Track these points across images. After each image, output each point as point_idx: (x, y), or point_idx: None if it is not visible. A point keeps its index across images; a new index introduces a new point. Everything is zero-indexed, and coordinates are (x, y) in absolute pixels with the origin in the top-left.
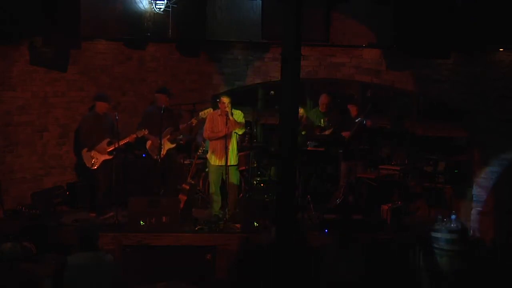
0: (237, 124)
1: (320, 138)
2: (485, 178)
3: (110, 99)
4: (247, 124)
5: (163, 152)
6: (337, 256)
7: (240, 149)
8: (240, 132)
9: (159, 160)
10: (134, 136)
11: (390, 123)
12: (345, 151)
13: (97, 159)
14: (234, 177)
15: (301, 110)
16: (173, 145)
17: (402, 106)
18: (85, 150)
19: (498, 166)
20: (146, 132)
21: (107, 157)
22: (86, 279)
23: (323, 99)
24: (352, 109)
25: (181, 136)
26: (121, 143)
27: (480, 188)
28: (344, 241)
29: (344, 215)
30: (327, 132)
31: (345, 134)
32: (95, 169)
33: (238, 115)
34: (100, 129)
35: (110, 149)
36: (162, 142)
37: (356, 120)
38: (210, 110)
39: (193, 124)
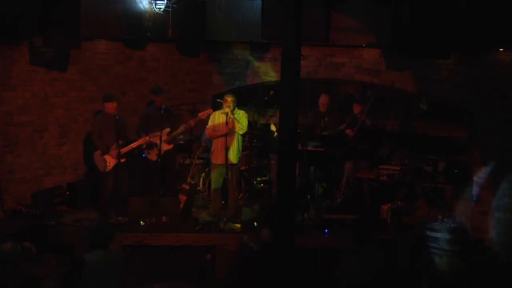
0: (236, 123)
1: (323, 137)
2: (485, 178)
3: (116, 97)
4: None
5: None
6: (337, 256)
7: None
8: (241, 132)
9: (159, 161)
10: (148, 139)
11: (398, 124)
12: (349, 151)
13: (110, 162)
14: (234, 176)
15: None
16: (170, 146)
17: (404, 106)
18: (97, 153)
19: (498, 166)
20: (160, 133)
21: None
22: (102, 276)
23: (323, 99)
24: (356, 108)
25: (181, 136)
26: (133, 146)
27: (480, 188)
28: (345, 241)
29: (344, 215)
30: (326, 133)
31: (348, 131)
32: (106, 172)
33: (242, 115)
34: (112, 130)
35: (116, 152)
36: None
37: (358, 117)
38: (209, 111)
39: (192, 125)
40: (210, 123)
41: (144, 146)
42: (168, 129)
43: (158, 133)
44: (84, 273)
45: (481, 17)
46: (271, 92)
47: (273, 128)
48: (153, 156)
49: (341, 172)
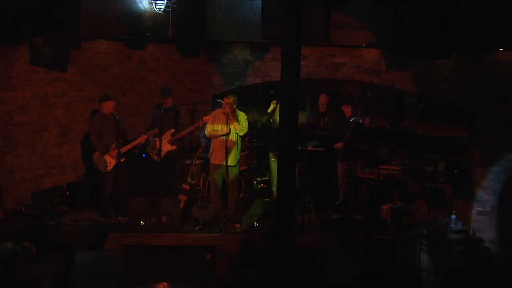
0: (236, 124)
1: (317, 137)
2: (485, 178)
3: (114, 96)
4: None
5: (162, 154)
6: (338, 256)
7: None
8: (241, 134)
9: (160, 161)
10: (146, 137)
11: (389, 124)
12: (349, 151)
13: (110, 163)
14: (234, 177)
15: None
16: (173, 147)
17: (402, 106)
18: (97, 154)
19: (498, 166)
20: (157, 131)
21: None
22: (93, 278)
23: (322, 99)
24: (347, 110)
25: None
26: (133, 145)
27: (480, 188)
28: (345, 241)
29: (344, 215)
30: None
31: (338, 145)
32: (106, 172)
33: (241, 117)
34: (111, 130)
35: (116, 152)
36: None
37: (351, 120)
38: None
39: (201, 126)
40: (209, 123)
41: (143, 143)
42: (173, 130)
43: (155, 130)
44: (75, 274)
45: (481, 17)
46: (271, 92)
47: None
48: (155, 155)
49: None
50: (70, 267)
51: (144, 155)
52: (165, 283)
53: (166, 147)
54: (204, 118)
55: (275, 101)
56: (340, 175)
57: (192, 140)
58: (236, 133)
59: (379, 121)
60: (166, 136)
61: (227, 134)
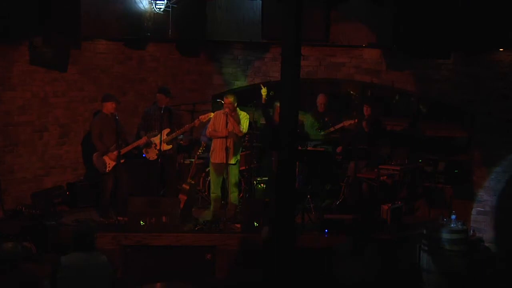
0: (236, 125)
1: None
2: (485, 178)
3: (116, 98)
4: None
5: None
6: (347, 257)
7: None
8: (240, 135)
9: (159, 161)
10: (146, 139)
11: (408, 125)
12: (348, 151)
13: (109, 164)
14: (234, 176)
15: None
16: (169, 147)
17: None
18: (96, 154)
19: (498, 166)
20: (156, 132)
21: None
22: (79, 280)
23: (320, 99)
24: (366, 110)
25: (182, 136)
26: (132, 146)
27: (480, 188)
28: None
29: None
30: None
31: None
32: (106, 172)
33: (242, 117)
34: (111, 131)
35: (115, 153)
36: (158, 143)
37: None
38: (210, 114)
39: (196, 125)
40: (211, 122)
41: (142, 145)
42: (168, 130)
43: (154, 132)
44: (62, 275)
45: (481, 17)
46: (271, 92)
47: (263, 91)
48: (152, 155)
49: (343, 172)
50: (55, 269)
51: (144, 155)
52: (163, 283)
53: (163, 147)
54: (200, 117)
55: (264, 88)
56: (350, 173)
57: (192, 140)
58: (235, 133)
59: (396, 122)
60: (162, 136)
61: (227, 136)
